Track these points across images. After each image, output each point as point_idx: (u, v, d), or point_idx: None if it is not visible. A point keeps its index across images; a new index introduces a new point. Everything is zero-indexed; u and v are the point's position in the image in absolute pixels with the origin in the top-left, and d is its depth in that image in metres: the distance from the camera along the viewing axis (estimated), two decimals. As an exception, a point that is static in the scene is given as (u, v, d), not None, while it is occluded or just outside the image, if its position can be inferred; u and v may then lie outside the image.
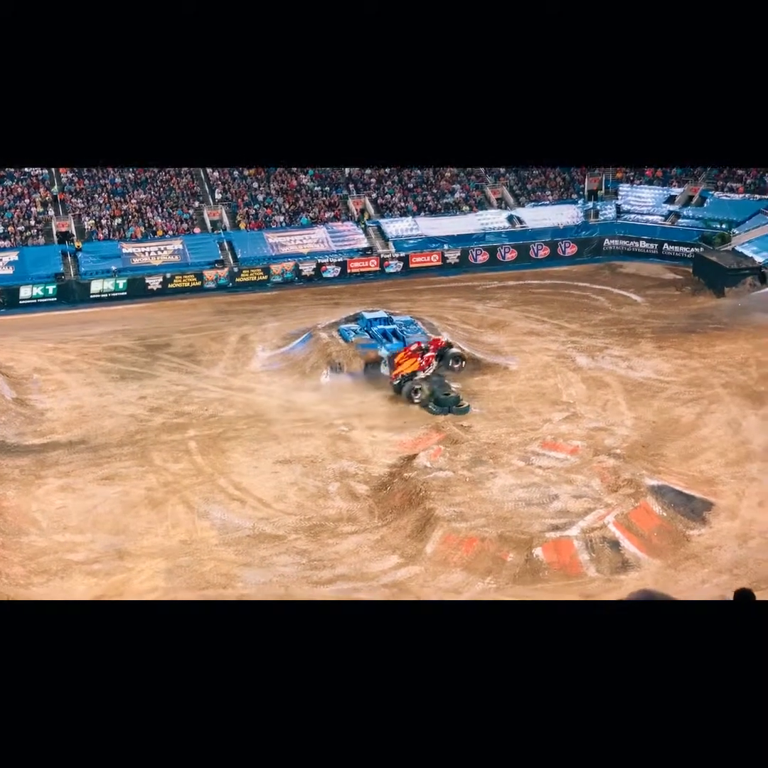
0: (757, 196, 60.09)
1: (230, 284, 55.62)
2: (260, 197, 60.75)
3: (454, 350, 42.02)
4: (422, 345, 41.44)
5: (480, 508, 30.81)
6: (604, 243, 60.54)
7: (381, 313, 45.71)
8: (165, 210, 58.89)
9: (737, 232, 57.41)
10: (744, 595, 7.63)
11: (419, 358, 40.72)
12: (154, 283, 54.58)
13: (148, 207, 58.90)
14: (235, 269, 55.95)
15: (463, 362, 41.98)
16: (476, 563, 28.84)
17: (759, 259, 53.93)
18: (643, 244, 59.96)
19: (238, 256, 56.70)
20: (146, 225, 57.82)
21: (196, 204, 59.79)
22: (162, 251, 56.07)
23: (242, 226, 58.89)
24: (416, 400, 39.46)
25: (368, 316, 45.26)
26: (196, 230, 58.16)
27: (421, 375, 40.54)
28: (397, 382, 40.39)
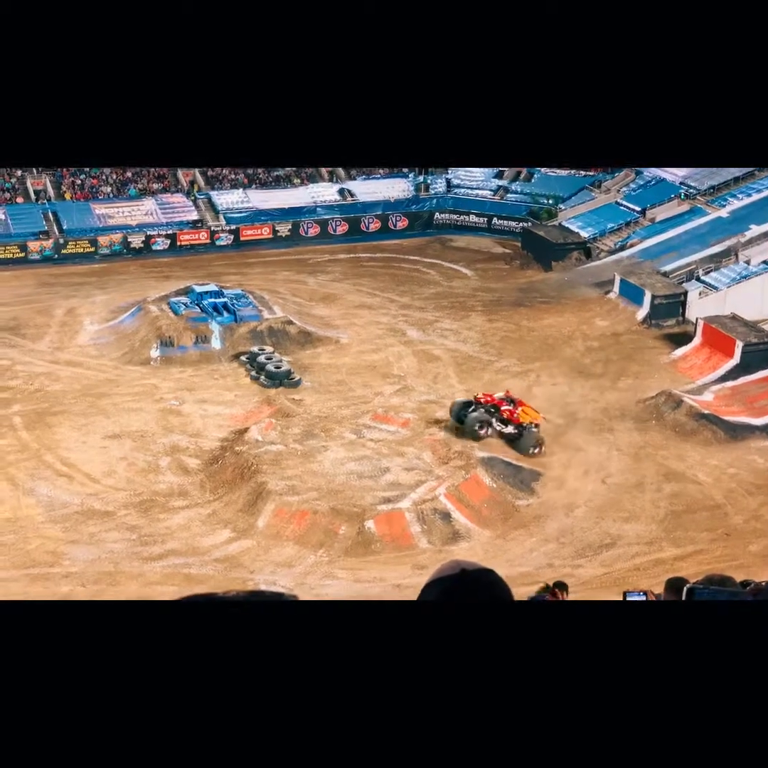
0: (582, 173, 61.30)
1: (56, 256, 54.14)
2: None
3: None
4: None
5: (312, 482, 30.82)
6: (435, 217, 60.94)
7: (212, 287, 45.22)
8: (-14, 179, 57.06)
9: (563, 208, 58.55)
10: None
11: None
12: (-26, 254, 52.86)
13: (-32, 175, 56.98)
14: (61, 240, 54.50)
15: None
16: (308, 536, 28.86)
17: (584, 234, 55.12)
18: (473, 219, 60.60)
19: (64, 227, 55.20)
20: (-33, 194, 55.94)
21: (19, 172, 58.05)
22: (-17, 221, 54.32)
23: (68, 196, 57.40)
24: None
25: (199, 289, 44.73)
26: (19, 200, 56.50)
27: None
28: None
